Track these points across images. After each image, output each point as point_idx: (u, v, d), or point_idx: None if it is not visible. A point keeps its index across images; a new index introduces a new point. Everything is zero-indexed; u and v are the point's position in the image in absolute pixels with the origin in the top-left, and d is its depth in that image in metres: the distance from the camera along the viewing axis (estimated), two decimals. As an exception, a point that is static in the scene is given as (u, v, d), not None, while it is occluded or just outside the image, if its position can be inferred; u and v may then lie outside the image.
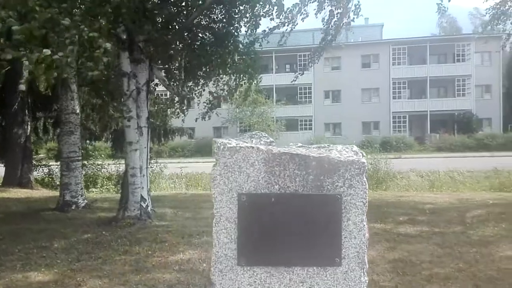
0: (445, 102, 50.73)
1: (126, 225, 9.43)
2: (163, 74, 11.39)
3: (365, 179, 2.47)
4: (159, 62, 11.26)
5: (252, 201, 2.46)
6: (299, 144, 2.60)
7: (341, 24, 12.42)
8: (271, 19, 11.45)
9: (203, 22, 10.97)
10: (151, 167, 17.50)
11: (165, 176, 19.88)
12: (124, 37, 9.45)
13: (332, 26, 12.48)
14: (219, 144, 2.51)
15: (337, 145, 2.64)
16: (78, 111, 12.36)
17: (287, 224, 2.47)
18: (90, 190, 16.99)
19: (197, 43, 11.18)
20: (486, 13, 16.34)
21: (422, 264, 6.05)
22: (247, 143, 2.53)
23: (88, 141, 19.67)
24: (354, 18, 12.22)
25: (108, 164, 19.46)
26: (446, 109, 50.15)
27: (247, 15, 11.23)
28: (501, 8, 15.72)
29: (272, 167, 2.47)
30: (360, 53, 51.59)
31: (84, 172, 18.07)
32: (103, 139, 19.70)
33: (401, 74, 51.29)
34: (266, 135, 2.69)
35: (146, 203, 9.97)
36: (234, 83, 12.53)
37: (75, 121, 12.26)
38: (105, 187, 17.32)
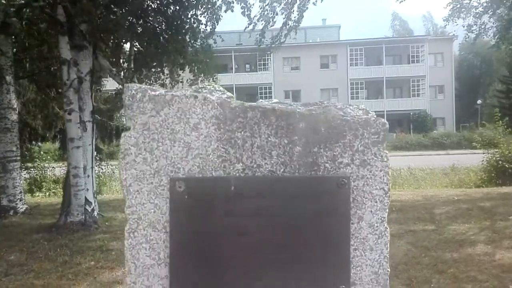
0: (401, 102, 52.25)
1: (68, 232, 8.57)
2: (109, 63, 10.29)
3: (386, 151, 1.61)
4: (106, 49, 10.20)
5: (195, 191, 1.58)
6: (275, 100, 1.70)
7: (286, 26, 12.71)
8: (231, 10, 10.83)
9: (153, 5, 9.99)
10: (101, 168, 16.31)
11: (118, 179, 18.73)
12: (63, 20, 8.36)
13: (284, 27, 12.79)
14: (133, 92, 1.57)
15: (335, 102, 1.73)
16: (15, 106, 11.13)
17: (257, 233, 1.61)
18: (34, 194, 15.75)
19: (147, 29, 10.20)
20: (447, 6, 16.29)
21: (398, 266, 5.76)
22: (186, 91, 1.61)
23: (33, 142, 18.42)
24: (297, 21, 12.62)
25: (54, 167, 18.12)
26: (402, 109, 51.53)
27: (204, 1, 10.47)
28: (461, 1, 15.78)
29: (230, 132, 1.60)
30: (318, 53, 52.50)
31: (28, 176, 16.69)
32: (49, 140, 18.42)
33: (359, 74, 52.36)
34: (223, 89, 1.76)
35: (92, 207, 8.97)
36: (189, 78, 11.81)
37: (12, 117, 11.06)
38: (52, 190, 16.00)
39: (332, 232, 1.64)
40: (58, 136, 17.97)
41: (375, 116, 1.65)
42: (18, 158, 11.55)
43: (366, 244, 1.67)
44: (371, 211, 1.66)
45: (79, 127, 8.79)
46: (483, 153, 15.13)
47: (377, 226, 1.67)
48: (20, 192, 11.53)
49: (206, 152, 1.59)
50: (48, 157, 19.24)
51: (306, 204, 1.61)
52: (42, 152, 19.24)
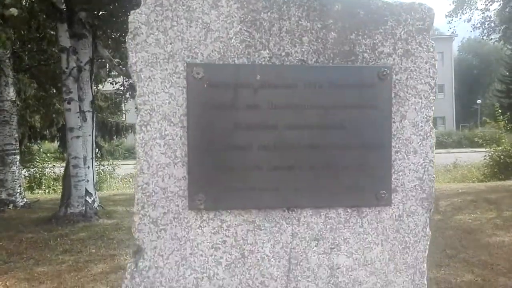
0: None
1: (69, 223, 8.33)
2: (108, 54, 10.10)
3: (432, 41, 1.42)
4: (108, 40, 10.03)
5: (215, 80, 1.39)
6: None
7: None
8: None
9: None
10: (102, 165, 16.12)
11: (118, 177, 18.58)
12: (63, 7, 8.20)
13: None
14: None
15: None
16: (14, 98, 10.95)
17: (285, 131, 1.42)
18: (34, 191, 15.47)
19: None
20: (452, 4, 16.21)
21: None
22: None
23: (32, 141, 18.20)
24: None
25: (54, 165, 17.95)
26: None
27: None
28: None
29: (255, 12, 1.40)
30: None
31: (27, 173, 16.36)
32: (49, 139, 18.16)
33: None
34: None
35: (92, 198, 8.75)
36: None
37: (11, 109, 10.85)
38: (52, 188, 15.79)
39: (371, 132, 1.44)
40: (58, 135, 17.73)
41: (419, 0, 1.46)
42: (17, 151, 11.31)
43: (409, 146, 1.47)
44: (415, 109, 1.47)
45: (78, 117, 8.57)
46: (486, 150, 15.07)
47: (421, 126, 1.48)
48: (20, 186, 11.26)
49: (228, 35, 1.39)
50: (48, 155, 19.00)
51: (341, 99, 1.42)
52: (41, 151, 18.98)
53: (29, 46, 12.00)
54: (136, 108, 1.37)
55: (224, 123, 1.38)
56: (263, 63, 1.41)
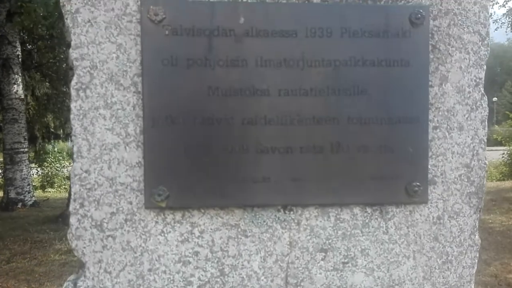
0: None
1: None
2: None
3: None
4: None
5: (181, 23, 1.00)
6: None
7: None
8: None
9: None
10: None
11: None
12: None
13: None
14: None
15: None
16: (22, 97, 10.88)
17: (280, 100, 1.04)
18: (46, 190, 15.47)
19: None
20: None
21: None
22: None
23: (47, 140, 18.39)
24: None
25: (68, 164, 18.03)
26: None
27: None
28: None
29: None
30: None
31: (40, 172, 16.42)
32: (62, 137, 18.29)
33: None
34: None
35: (101, 196, 8.53)
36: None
37: (20, 107, 10.78)
38: (64, 187, 15.79)
39: (400, 100, 1.03)
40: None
41: None
42: (26, 150, 11.28)
43: (452, 119, 1.06)
44: (460, 68, 1.05)
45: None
46: (504, 148, 14.79)
47: (469, 92, 1.06)
48: (28, 185, 11.23)
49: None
50: (61, 153, 19.16)
51: (358, 53, 1.01)
52: (56, 150, 19.24)
53: (39, 43, 11.90)
54: (71, 65, 0.99)
55: (195, 86, 0.99)
56: (249, 0, 1.01)
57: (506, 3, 15.78)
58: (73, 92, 0.97)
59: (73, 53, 0.97)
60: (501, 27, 16.83)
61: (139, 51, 0.98)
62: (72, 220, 1.01)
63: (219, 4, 0.99)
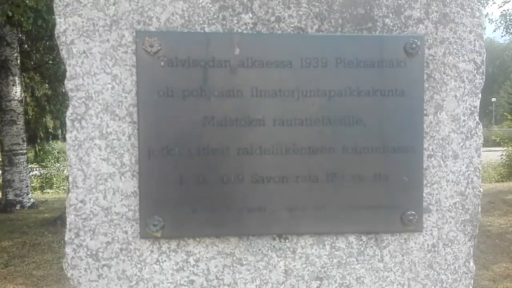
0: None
1: None
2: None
3: (478, 3, 1.01)
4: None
5: (176, 54, 1.00)
6: None
7: None
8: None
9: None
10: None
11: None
12: None
13: None
14: None
15: None
16: (21, 98, 10.84)
17: (275, 124, 1.04)
18: (45, 191, 15.48)
19: None
20: None
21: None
22: None
23: (45, 141, 18.36)
24: None
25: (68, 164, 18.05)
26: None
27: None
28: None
29: None
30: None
31: (39, 173, 16.40)
32: (60, 138, 18.26)
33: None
34: None
35: (101, 198, 8.51)
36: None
37: (18, 109, 10.74)
38: (62, 188, 15.76)
39: (395, 129, 1.03)
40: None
41: None
42: (25, 151, 11.24)
43: (447, 148, 1.06)
44: (456, 96, 1.05)
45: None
46: (503, 149, 14.69)
47: (464, 121, 1.06)
48: (27, 186, 11.20)
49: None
50: (62, 155, 19.16)
51: (353, 83, 1.01)
52: (55, 150, 19.21)
53: (37, 45, 11.86)
54: (66, 96, 0.99)
55: (190, 117, 0.99)
56: (245, 31, 1.01)
57: (504, 4, 15.79)
58: (68, 123, 0.97)
59: (68, 84, 0.97)
60: (499, 28, 16.93)
61: (134, 81, 0.98)
62: (68, 249, 1.01)
63: (214, 35, 1.00)
